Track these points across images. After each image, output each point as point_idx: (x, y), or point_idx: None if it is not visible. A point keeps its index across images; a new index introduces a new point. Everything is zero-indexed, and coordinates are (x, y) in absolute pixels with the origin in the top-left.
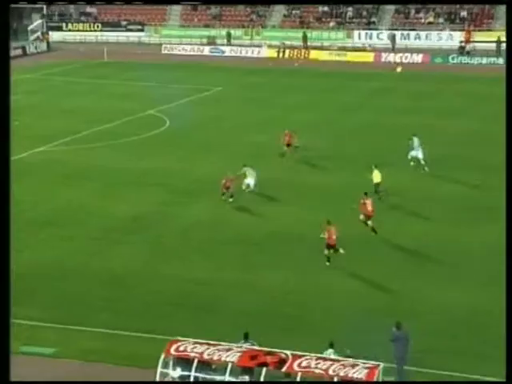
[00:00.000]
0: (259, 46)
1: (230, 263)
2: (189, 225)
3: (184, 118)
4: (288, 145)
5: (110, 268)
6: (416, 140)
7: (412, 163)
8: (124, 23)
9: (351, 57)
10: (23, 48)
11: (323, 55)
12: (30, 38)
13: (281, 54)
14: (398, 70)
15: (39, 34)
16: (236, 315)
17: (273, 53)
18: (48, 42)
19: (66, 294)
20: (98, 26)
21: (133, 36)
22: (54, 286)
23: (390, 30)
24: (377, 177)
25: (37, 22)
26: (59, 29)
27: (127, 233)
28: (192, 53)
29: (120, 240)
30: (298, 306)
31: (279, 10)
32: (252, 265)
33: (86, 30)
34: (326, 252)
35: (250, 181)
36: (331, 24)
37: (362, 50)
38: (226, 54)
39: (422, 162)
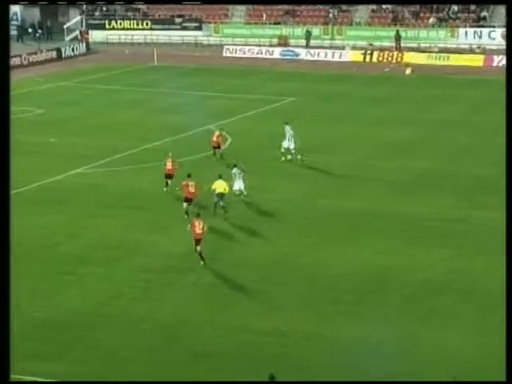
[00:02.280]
0: (341, 47)
1: (300, 313)
2: (241, 263)
3: (248, 134)
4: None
5: (157, 315)
6: (288, 129)
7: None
8: (178, 20)
9: (455, 60)
10: (58, 50)
11: (420, 58)
12: (66, 39)
13: (367, 58)
14: (408, 71)
15: (77, 33)
16: (301, 369)
17: (358, 56)
18: (87, 43)
19: (102, 346)
20: (147, 24)
21: (188, 35)
22: (89, 336)
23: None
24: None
25: (75, 20)
26: (101, 27)
27: (180, 273)
28: (259, 55)
29: (171, 282)
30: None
31: (366, 5)
32: (328, 316)
33: (133, 29)
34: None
35: (239, 184)
36: (431, 20)
37: (470, 52)
38: (300, 57)
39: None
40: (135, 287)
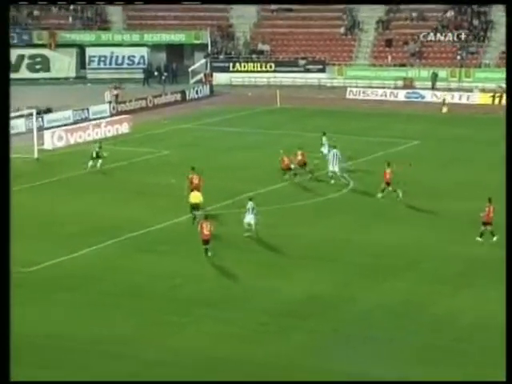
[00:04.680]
0: (469, 90)
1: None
2: (368, 310)
3: (368, 178)
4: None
5: (274, 361)
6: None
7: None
8: (302, 62)
9: None
10: (182, 93)
11: None
12: (190, 81)
13: (496, 100)
14: (444, 110)
15: (201, 75)
16: None
17: (486, 98)
18: (211, 86)
19: None
20: (270, 66)
21: (312, 78)
22: (203, 377)
23: None
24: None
25: (199, 62)
26: (225, 69)
27: (299, 318)
28: (383, 98)
29: (293, 326)
30: None
31: (496, 47)
32: None
33: (257, 71)
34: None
35: (250, 218)
36: None
37: None
38: (426, 100)
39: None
40: (253, 331)
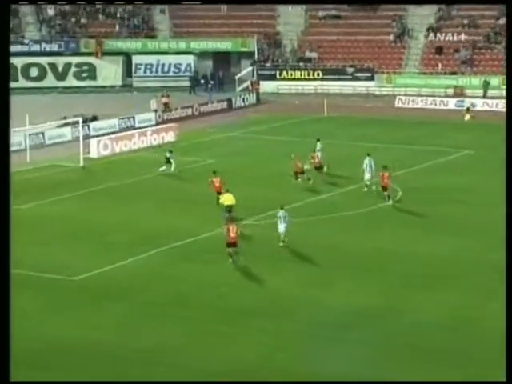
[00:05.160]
0: None
1: None
2: (415, 322)
3: (419, 188)
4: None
5: (322, 372)
6: (368, 160)
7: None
8: (350, 70)
9: None
10: (229, 101)
11: None
12: (237, 89)
13: None
14: (466, 118)
15: (248, 83)
16: None
17: None
18: (258, 94)
19: None
20: (318, 74)
21: (360, 86)
22: None
23: None
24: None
25: (246, 70)
26: (272, 77)
27: (345, 329)
28: (433, 106)
29: (336, 337)
30: None
31: None
32: None
33: (304, 79)
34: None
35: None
36: None
37: None
38: (477, 108)
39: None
40: (297, 341)
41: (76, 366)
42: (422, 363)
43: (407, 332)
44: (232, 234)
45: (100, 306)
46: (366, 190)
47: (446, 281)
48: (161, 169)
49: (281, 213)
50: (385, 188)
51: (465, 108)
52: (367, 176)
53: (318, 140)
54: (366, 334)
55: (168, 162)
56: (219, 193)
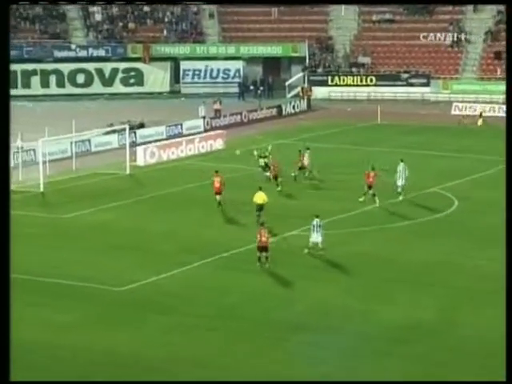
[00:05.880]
0: None
1: None
2: (469, 336)
3: (478, 198)
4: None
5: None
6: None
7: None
8: (404, 76)
9: None
10: (278, 107)
11: None
12: (287, 96)
13: None
14: (479, 123)
15: (299, 89)
16: None
17: None
18: (309, 100)
19: None
20: (371, 80)
21: (415, 92)
22: None
23: None
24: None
25: (297, 76)
26: (323, 83)
27: (395, 343)
28: (491, 114)
29: (385, 351)
30: None
31: None
32: None
33: (357, 85)
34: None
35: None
36: None
37: None
38: None
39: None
40: (346, 355)
41: (122, 378)
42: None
43: (458, 347)
44: (263, 239)
45: (145, 318)
46: (401, 198)
47: (502, 294)
48: (266, 174)
49: (315, 221)
50: (369, 187)
51: (478, 113)
52: (400, 183)
53: (308, 148)
54: (415, 348)
55: (267, 166)
56: (218, 193)
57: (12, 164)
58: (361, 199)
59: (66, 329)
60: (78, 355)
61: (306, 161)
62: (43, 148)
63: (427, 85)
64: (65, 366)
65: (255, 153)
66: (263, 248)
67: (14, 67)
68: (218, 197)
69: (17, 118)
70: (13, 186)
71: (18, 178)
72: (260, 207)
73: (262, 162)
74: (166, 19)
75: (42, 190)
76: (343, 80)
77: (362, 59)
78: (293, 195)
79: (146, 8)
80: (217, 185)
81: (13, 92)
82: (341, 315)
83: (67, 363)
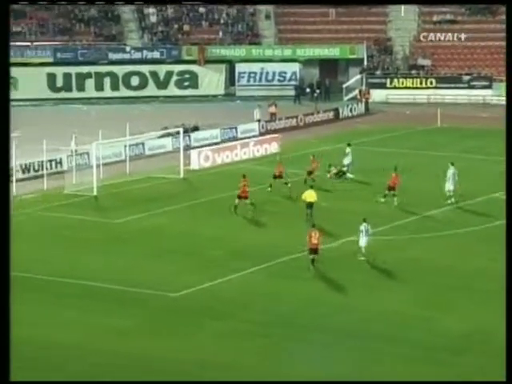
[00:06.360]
0: None
1: None
2: None
3: None
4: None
5: None
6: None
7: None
8: (466, 78)
9: None
10: (335, 111)
11: None
12: (344, 98)
13: None
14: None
15: (356, 92)
16: None
17: None
18: (367, 103)
19: None
20: (431, 83)
21: (476, 95)
22: None
23: None
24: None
25: (354, 78)
26: (382, 86)
27: (456, 352)
28: None
29: (446, 362)
30: None
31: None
32: None
33: (416, 88)
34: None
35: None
36: None
37: None
38: None
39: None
40: (403, 364)
41: None
42: None
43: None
44: (314, 241)
45: (200, 323)
46: (450, 202)
47: None
48: (350, 176)
49: (363, 226)
50: (392, 188)
51: None
52: (450, 187)
53: (349, 145)
54: (473, 358)
55: (343, 173)
56: (241, 197)
57: (66, 167)
58: (382, 200)
59: (121, 335)
60: (134, 361)
61: (315, 165)
62: (97, 151)
63: (489, 87)
64: (122, 372)
65: (332, 169)
66: (314, 250)
67: (68, 70)
68: (237, 201)
69: (71, 121)
70: (67, 190)
71: (72, 182)
72: (310, 205)
73: (334, 170)
74: (222, 21)
75: (95, 193)
76: (402, 82)
77: (421, 61)
78: (350, 199)
79: (202, 9)
80: (245, 189)
81: (67, 95)
82: (399, 323)
83: (125, 369)
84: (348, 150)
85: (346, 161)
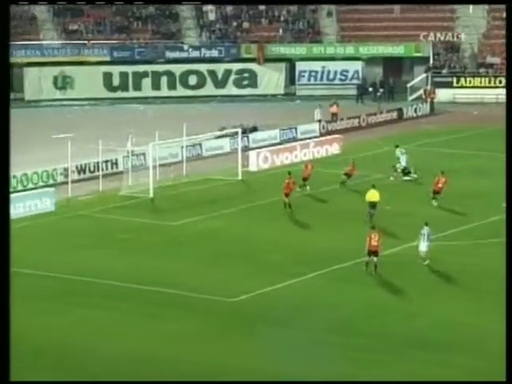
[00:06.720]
0: None
1: None
2: None
3: None
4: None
5: None
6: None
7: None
8: None
9: None
10: (399, 111)
11: None
12: (408, 98)
13: None
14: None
15: (421, 92)
16: None
17: None
18: (432, 103)
19: None
20: (500, 82)
21: None
22: None
23: None
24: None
25: (419, 78)
26: (448, 85)
27: None
28: None
29: None
30: None
31: None
32: None
33: (485, 87)
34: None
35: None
36: None
37: None
38: None
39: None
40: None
41: None
42: None
43: None
44: (374, 242)
45: (260, 331)
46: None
47: None
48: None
49: (425, 230)
50: (438, 192)
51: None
52: None
53: (397, 146)
54: None
55: (408, 172)
56: (287, 195)
57: (122, 168)
58: (435, 203)
59: (180, 341)
60: (194, 367)
61: (351, 169)
62: (153, 152)
63: None
64: (184, 378)
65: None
66: (373, 252)
67: (125, 69)
68: (287, 199)
69: (127, 121)
70: (123, 192)
71: (128, 183)
72: (373, 205)
73: (400, 166)
74: (282, 18)
75: (151, 195)
76: (470, 81)
77: (490, 59)
78: (420, 201)
79: (262, 7)
80: (291, 186)
81: (124, 94)
82: (466, 332)
83: (187, 375)
84: (398, 152)
85: (403, 163)
